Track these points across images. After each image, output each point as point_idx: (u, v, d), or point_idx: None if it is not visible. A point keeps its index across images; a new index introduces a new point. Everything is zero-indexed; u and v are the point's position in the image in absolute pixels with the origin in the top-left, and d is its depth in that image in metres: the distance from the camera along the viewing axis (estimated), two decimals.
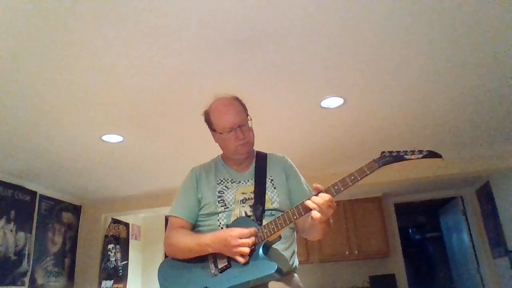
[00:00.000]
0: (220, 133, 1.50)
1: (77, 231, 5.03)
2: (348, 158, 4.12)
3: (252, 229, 1.31)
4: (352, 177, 1.27)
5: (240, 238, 1.29)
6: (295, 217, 1.31)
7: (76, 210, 5.05)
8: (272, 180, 1.53)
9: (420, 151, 1.28)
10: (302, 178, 1.60)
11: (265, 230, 1.33)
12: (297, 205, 1.32)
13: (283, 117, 3.17)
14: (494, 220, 4.88)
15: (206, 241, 1.36)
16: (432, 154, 1.28)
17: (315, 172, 4.37)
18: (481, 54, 2.43)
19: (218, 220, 1.46)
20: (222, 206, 1.47)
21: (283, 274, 1.31)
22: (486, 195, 5.10)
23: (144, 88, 2.59)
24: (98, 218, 5.12)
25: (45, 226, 4.45)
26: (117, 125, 3.12)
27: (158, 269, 1.48)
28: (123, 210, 5.21)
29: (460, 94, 2.93)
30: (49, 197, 4.56)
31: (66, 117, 2.91)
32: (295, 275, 1.50)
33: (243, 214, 1.43)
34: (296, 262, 1.50)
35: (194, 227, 1.54)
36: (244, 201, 1.46)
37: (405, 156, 1.27)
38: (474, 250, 5.40)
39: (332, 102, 2.94)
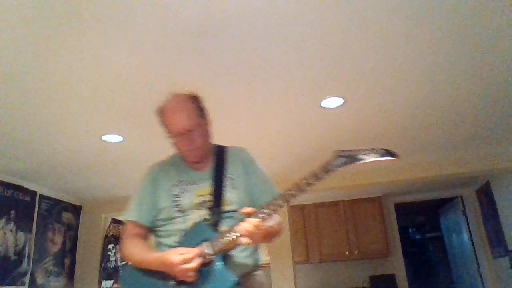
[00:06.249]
0: (169, 136, 1.47)
1: (77, 231, 5.03)
2: None
3: (197, 250, 1.28)
4: (291, 192, 1.23)
5: (185, 263, 1.25)
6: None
7: (76, 210, 5.05)
8: (231, 178, 1.46)
9: (376, 151, 1.19)
10: (263, 172, 1.54)
11: (222, 240, 1.28)
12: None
13: (283, 117, 3.17)
14: (494, 220, 4.88)
15: (151, 262, 1.35)
16: (388, 153, 1.20)
17: None
18: (481, 54, 2.43)
19: (175, 225, 1.42)
20: (178, 210, 1.41)
21: (241, 283, 1.29)
22: (486, 195, 5.10)
23: (145, 88, 2.59)
24: (98, 218, 5.12)
25: (45, 226, 4.45)
26: (117, 125, 3.12)
27: (121, 273, 1.47)
28: (123, 210, 5.16)
29: (460, 94, 2.93)
30: (49, 197, 4.55)
31: (66, 117, 2.90)
32: (259, 272, 1.45)
33: (200, 219, 1.39)
34: (261, 259, 1.47)
35: (152, 230, 1.51)
36: (201, 204, 1.41)
37: (359, 156, 1.20)
38: (474, 250, 5.40)
39: (332, 102, 2.94)
